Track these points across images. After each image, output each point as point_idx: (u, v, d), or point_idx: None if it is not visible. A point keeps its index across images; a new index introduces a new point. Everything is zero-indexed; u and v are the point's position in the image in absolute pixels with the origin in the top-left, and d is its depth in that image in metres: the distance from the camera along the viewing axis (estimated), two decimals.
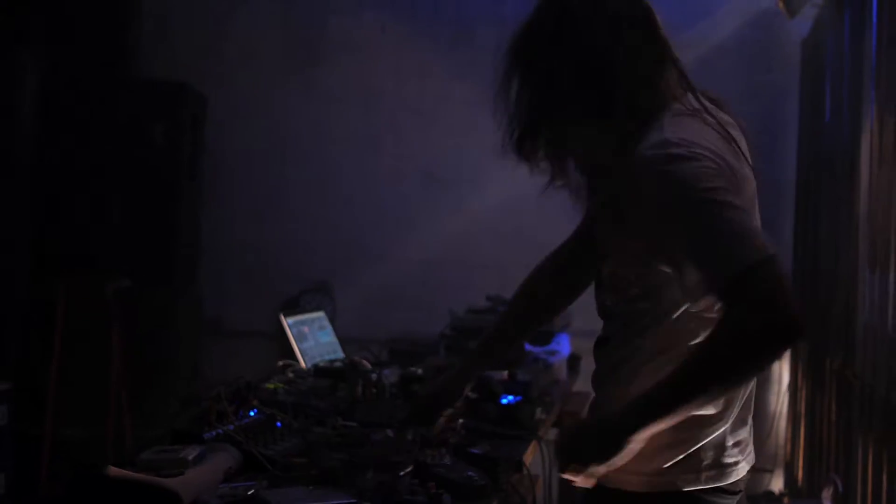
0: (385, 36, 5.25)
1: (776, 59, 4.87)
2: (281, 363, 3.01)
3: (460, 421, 2.35)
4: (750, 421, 1.75)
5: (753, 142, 1.68)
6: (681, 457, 1.64)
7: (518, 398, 2.67)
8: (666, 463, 1.64)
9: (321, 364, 3.00)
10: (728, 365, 1.44)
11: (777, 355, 1.47)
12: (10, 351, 4.60)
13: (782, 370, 4.87)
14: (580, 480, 1.63)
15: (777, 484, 4.81)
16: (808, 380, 4.19)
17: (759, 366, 1.48)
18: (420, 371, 2.91)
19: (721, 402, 1.63)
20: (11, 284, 4.68)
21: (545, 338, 3.49)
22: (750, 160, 1.63)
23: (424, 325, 4.27)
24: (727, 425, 1.66)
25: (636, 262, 1.65)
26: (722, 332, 1.44)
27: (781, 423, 4.84)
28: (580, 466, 1.60)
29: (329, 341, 3.45)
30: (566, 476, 1.63)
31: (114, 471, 1.76)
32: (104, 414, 4.46)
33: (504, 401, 2.65)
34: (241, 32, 5.34)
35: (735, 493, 1.71)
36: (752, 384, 1.70)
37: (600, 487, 1.67)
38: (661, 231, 1.53)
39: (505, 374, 2.78)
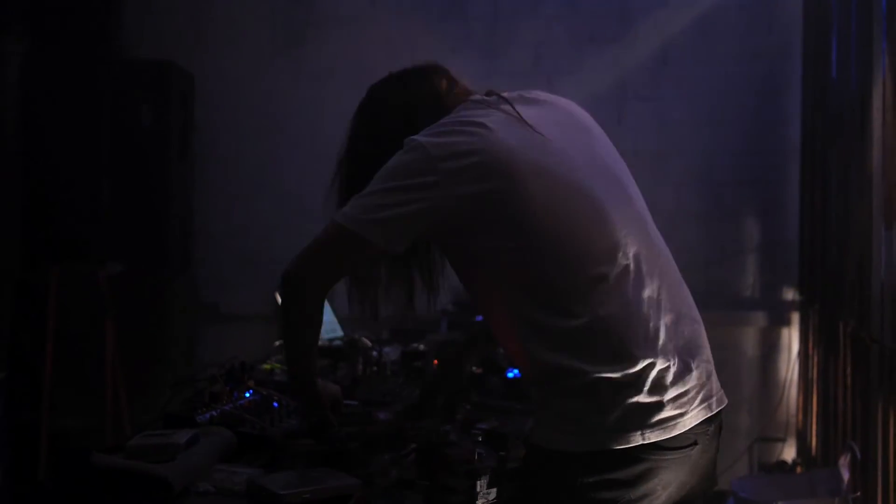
0: (374, 8, 5.12)
1: (776, 19, 4.75)
2: (278, 343, 2.92)
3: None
4: (700, 367, 1.75)
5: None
6: (612, 417, 1.66)
7: None
8: (598, 424, 1.67)
9: (320, 343, 2.90)
10: (283, 328, 2.00)
11: (291, 321, 1.95)
12: (3, 340, 4.50)
13: (791, 337, 4.77)
14: None
15: (789, 453, 4.72)
16: (819, 345, 4.09)
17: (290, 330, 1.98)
18: (422, 347, 2.85)
19: (629, 364, 1.67)
20: (1, 273, 4.57)
21: None
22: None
23: (424, 302, 4.16)
24: (650, 383, 1.67)
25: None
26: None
27: (792, 392, 4.74)
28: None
29: (328, 320, 3.35)
30: None
31: (100, 459, 1.66)
32: (101, 402, 4.36)
33: (510, 374, 2.59)
34: (226, 6, 5.20)
35: (681, 448, 1.70)
36: (689, 328, 1.76)
37: (538, 447, 1.76)
38: None
39: None
